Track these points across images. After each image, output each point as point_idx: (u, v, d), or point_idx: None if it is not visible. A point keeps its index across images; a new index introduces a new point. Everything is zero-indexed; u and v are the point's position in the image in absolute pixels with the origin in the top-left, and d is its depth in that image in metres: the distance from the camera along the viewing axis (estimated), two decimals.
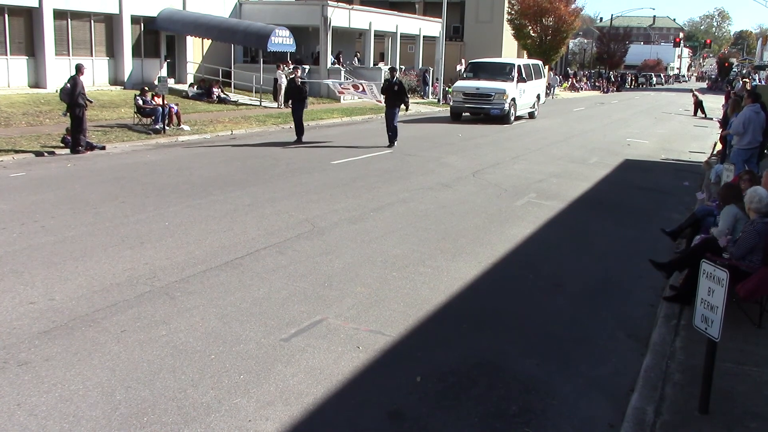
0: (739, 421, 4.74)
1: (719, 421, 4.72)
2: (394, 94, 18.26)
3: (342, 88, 21.20)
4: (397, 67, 38.97)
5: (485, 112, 25.75)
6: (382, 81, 18.69)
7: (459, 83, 27.75)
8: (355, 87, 20.09)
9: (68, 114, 15.34)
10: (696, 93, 38.53)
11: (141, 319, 6.14)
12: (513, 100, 26.07)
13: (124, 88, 25.92)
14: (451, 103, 27.34)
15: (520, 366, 5.62)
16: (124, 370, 5.19)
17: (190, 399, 4.83)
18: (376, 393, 5.07)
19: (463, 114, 26.74)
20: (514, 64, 27.32)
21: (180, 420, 4.56)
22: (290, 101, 18.69)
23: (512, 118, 26.12)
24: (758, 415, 4.84)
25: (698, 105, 36.22)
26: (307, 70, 31.71)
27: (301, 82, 18.56)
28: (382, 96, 18.65)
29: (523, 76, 27.13)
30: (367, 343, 5.88)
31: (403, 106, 18.67)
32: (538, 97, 30.17)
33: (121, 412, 4.62)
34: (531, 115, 29.18)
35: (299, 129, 18.55)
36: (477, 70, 27.75)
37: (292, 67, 22.44)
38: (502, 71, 27.00)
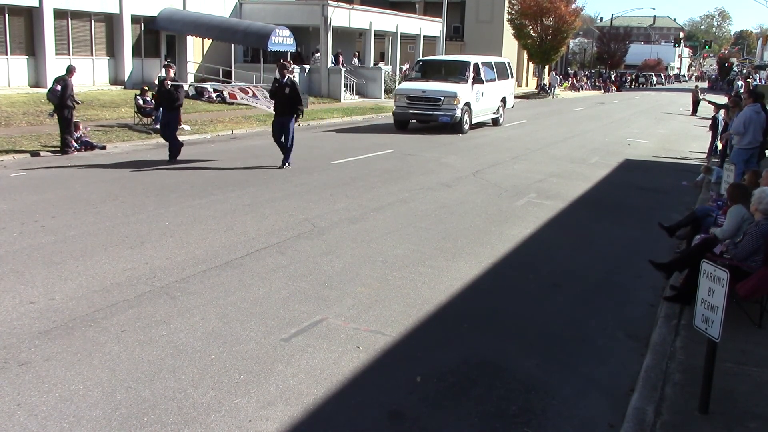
0: (739, 421, 4.74)
1: (719, 421, 4.72)
2: (286, 99, 13.89)
3: (230, 91, 16.59)
4: (359, 62, 34.50)
5: (433, 120, 21.98)
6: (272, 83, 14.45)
7: (403, 85, 23.78)
8: (244, 91, 15.78)
9: (55, 115, 15.25)
10: (698, 90, 38.19)
11: (141, 319, 6.14)
12: (467, 104, 22.17)
13: (125, 88, 25.92)
14: (393, 109, 23.03)
15: (520, 366, 5.62)
16: (125, 370, 5.19)
17: (191, 399, 4.83)
18: (376, 393, 5.07)
19: (411, 121, 22.80)
20: (468, 63, 23.32)
21: (180, 420, 4.56)
22: (160, 110, 14.83)
23: (466, 127, 22.27)
24: (758, 415, 4.84)
25: (696, 104, 36.14)
26: (307, 70, 31.78)
27: (173, 85, 14.56)
28: (272, 102, 14.47)
29: (481, 76, 23.23)
30: (367, 343, 5.88)
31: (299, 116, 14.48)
32: (504, 100, 25.92)
33: (121, 412, 4.62)
34: (495, 122, 25.37)
35: (172, 144, 14.70)
36: (426, 70, 24.02)
37: (166, 62, 16.97)
38: (455, 71, 23.19)
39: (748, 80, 33.33)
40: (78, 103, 15.73)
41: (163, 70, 14.74)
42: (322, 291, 7.07)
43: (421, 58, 27.62)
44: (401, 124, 22.71)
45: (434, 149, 17.99)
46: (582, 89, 62.75)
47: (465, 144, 19.57)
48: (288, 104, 13.92)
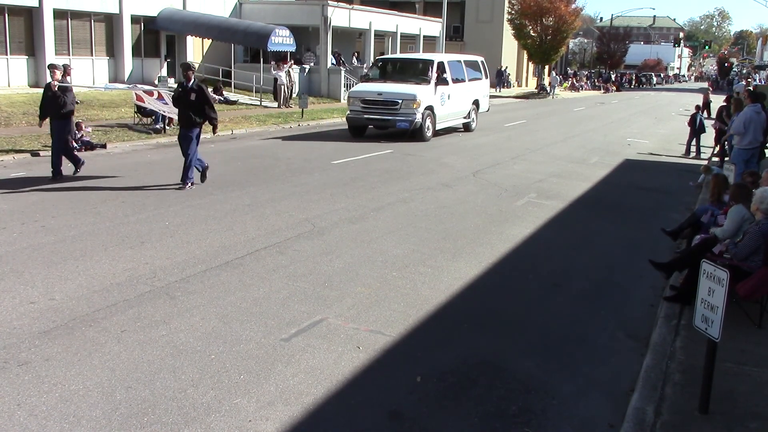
0: (739, 421, 4.74)
1: (719, 421, 4.72)
2: (190, 107, 11.64)
3: (136, 93, 14.59)
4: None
5: (390, 125, 19.33)
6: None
7: (358, 86, 21.11)
8: (149, 93, 13.75)
9: None
10: (708, 93, 38.79)
11: (141, 319, 6.14)
12: (429, 108, 19.55)
13: None
14: (347, 114, 20.39)
15: (520, 366, 5.62)
16: (125, 370, 5.19)
17: (190, 399, 4.83)
18: (376, 393, 5.07)
19: (369, 127, 20.17)
20: (432, 61, 20.49)
21: (180, 420, 4.56)
22: (46, 118, 12.22)
23: (428, 133, 19.63)
24: (758, 415, 4.84)
25: (706, 106, 36.36)
26: (307, 70, 31.77)
27: (59, 88, 12.02)
28: (175, 110, 12.26)
29: (446, 77, 20.56)
30: (367, 343, 5.88)
31: (210, 128, 12.10)
32: (477, 103, 23.08)
33: (121, 412, 4.62)
34: (466, 128, 22.67)
35: (56, 160, 12.16)
36: (386, 70, 21.41)
37: (61, 65, 13.89)
38: (417, 71, 20.54)
39: (748, 80, 33.38)
40: (77, 103, 15.72)
41: (48, 72, 12.43)
42: (322, 291, 7.07)
43: (381, 56, 24.97)
44: (356, 131, 20.04)
45: (434, 149, 17.99)
46: (582, 89, 62.76)
47: (465, 144, 19.56)
48: (193, 113, 11.68)
